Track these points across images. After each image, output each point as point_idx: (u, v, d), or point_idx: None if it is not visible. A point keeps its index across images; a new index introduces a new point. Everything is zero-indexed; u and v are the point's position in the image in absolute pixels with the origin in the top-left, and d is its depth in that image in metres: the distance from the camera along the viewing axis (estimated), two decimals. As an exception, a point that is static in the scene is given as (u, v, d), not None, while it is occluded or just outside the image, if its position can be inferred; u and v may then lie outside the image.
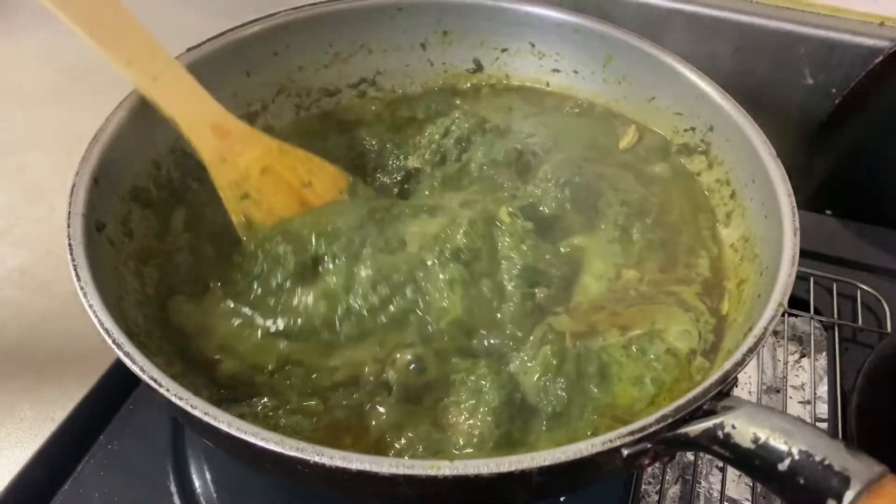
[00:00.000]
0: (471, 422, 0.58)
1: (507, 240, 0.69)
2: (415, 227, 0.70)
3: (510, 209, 0.71)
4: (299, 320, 0.64)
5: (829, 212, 1.06)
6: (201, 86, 0.68)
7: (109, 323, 0.52)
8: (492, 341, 0.65)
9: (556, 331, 0.65)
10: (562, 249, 0.72)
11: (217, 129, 0.67)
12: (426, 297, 0.64)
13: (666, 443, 0.49)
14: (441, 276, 0.65)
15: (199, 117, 0.67)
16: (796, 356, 0.89)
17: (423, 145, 0.82)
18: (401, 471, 0.45)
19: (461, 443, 0.58)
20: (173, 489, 0.70)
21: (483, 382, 0.59)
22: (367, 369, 0.62)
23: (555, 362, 0.61)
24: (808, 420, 0.80)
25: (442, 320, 0.64)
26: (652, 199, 0.78)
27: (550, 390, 0.60)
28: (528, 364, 0.62)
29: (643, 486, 0.74)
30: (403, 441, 0.57)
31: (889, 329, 0.88)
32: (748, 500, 0.74)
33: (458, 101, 0.90)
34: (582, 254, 0.72)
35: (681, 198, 0.80)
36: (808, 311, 0.89)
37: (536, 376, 0.61)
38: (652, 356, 0.63)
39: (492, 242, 0.69)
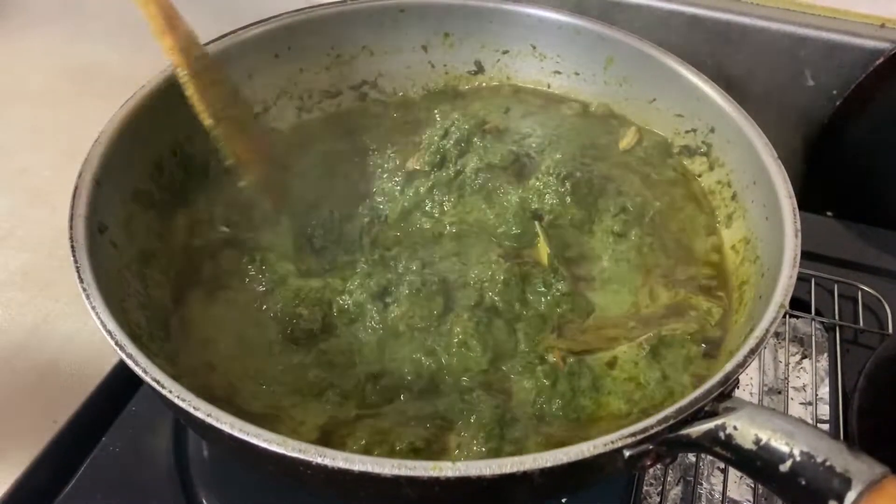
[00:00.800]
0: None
1: (542, 288, 0.69)
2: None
3: (549, 251, 0.71)
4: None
5: (830, 213, 1.06)
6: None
7: (112, 324, 0.52)
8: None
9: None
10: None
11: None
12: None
13: (668, 444, 0.49)
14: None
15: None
16: (797, 357, 0.89)
17: (422, 147, 0.82)
18: (403, 472, 0.45)
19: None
20: (176, 491, 0.70)
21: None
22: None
23: (547, 383, 0.62)
24: (810, 421, 0.80)
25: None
26: (653, 200, 0.78)
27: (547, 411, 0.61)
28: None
29: (645, 488, 0.74)
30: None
31: (890, 330, 0.88)
32: (749, 501, 0.74)
33: (459, 103, 0.91)
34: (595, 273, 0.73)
35: (682, 199, 0.80)
36: (810, 313, 0.89)
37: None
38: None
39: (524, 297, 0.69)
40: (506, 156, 0.78)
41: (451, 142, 0.80)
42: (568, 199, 0.75)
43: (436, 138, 0.81)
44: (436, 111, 0.89)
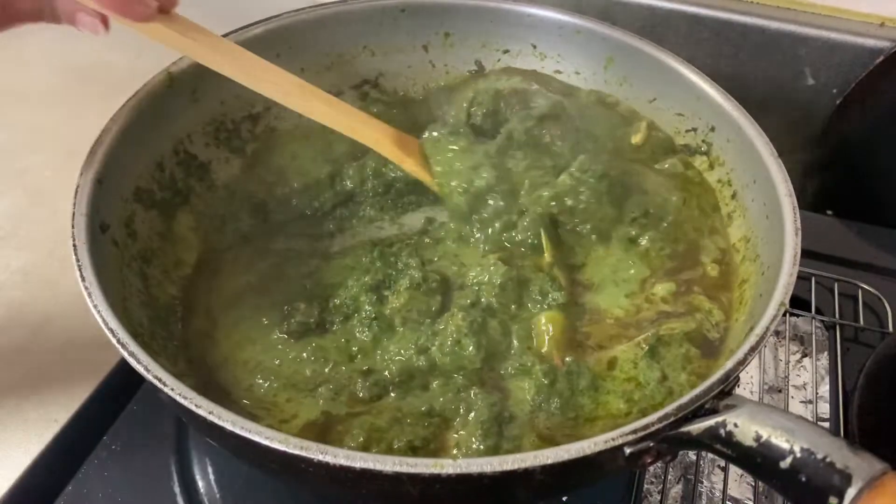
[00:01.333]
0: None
1: (538, 296, 0.69)
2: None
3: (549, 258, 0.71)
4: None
5: (830, 212, 1.06)
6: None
7: (114, 323, 0.52)
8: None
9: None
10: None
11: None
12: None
13: (668, 441, 0.49)
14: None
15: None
16: (798, 356, 0.89)
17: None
18: (404, 469, 0.45)
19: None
20: (177, 490, 0.70)
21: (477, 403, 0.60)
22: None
23: (546, 381, 0.62)
24: (810, 419, 0.80)
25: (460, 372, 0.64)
26: (672, 200, 0.78)
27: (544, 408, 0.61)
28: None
29: (645, 486, 0.74)
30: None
31: (891, 328, 0.88)
32: (750, 499, 0.74)
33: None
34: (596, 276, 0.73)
35: (688, 199, 0.80)
36: (810, 311, 0.90)
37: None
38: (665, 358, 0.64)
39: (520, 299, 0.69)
40: (553, 105, 0.79)
41: (481, 113, 0.83)
42: (604, 199, 0.74)
43: (462, 117, 0.83)
44: (436, 111, 0.89)
